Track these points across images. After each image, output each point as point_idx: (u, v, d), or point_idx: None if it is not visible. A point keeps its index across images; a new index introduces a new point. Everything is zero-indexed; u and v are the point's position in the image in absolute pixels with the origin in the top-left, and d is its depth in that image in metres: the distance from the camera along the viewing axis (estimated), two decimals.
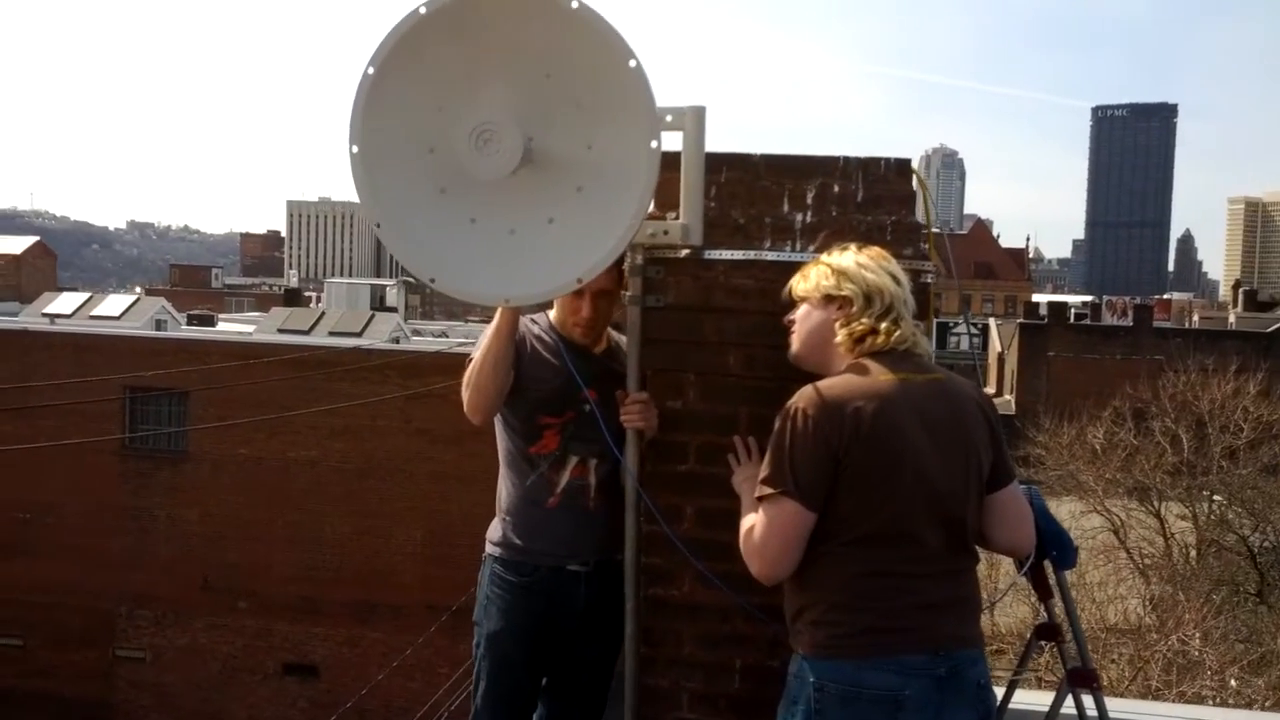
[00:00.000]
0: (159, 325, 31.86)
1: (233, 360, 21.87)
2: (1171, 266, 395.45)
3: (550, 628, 3.28)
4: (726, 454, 2.97)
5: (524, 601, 3.26)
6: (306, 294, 52.33)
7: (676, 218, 3.02)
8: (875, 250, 2.78)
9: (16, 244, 48.69)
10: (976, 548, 2.74)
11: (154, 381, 21.44)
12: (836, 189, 3.07)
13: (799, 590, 2.63)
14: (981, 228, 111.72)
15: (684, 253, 3.09)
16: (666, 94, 2.79)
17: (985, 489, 2.68)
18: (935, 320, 3.36)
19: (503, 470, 3.36)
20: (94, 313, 32.02)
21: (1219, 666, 13.58)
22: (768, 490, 2.57)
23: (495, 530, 3.35)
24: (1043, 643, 3.28)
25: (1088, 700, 3.07)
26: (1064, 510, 19.50)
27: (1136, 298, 68.20)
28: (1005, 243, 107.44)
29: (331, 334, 28.66)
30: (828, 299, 2.72)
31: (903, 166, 3.07)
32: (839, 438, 2.51)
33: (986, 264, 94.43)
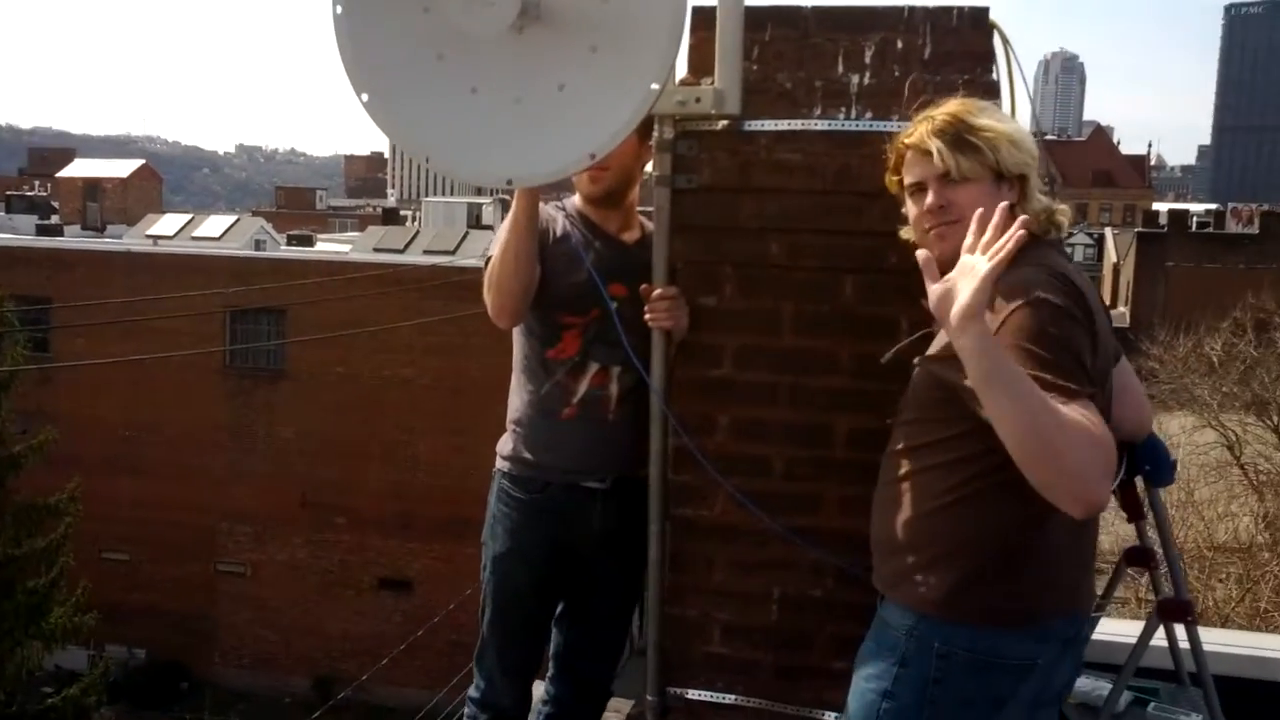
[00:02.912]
0: (258, 245, 32.10)
1: (328, 279, 22.00)
2: None
3: (563, 550, 2.95)
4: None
5: (533, 521, 2.93)
6: (403, 213, 52.55)
7: (713, 84, 2.61)
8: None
9: (124, 167, 49.53)
10: None
11: (252, 300, 21.71)
12: (900, 45, 2.61)
13: (932, 533, 2.11)
14: (1101, 134, 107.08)
15: (720, 124, 2.67)
16: None
17: None
18: None
19: (515, 376, 3.01)
20: (195, 234, 32.45)
21: None
22: (1072, 387, 1.87)
23: (505, 443, 3.00)
24: (1133, 570, 2.88)
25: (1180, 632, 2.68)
26: (1175, 424, 18.71)
27: (1265, 205, 64.83)
28: (1126, 150, 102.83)
29: (426, 252, 28.58)
30: (1000, 177, 2.13)
31: (979, 16, 2.60)
32: (1095, 338, 1.98)
33: (1105, 172, 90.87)
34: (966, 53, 2.58)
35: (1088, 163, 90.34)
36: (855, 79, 2.63)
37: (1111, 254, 47.24)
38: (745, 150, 2.67)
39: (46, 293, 22.31)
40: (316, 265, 24.67)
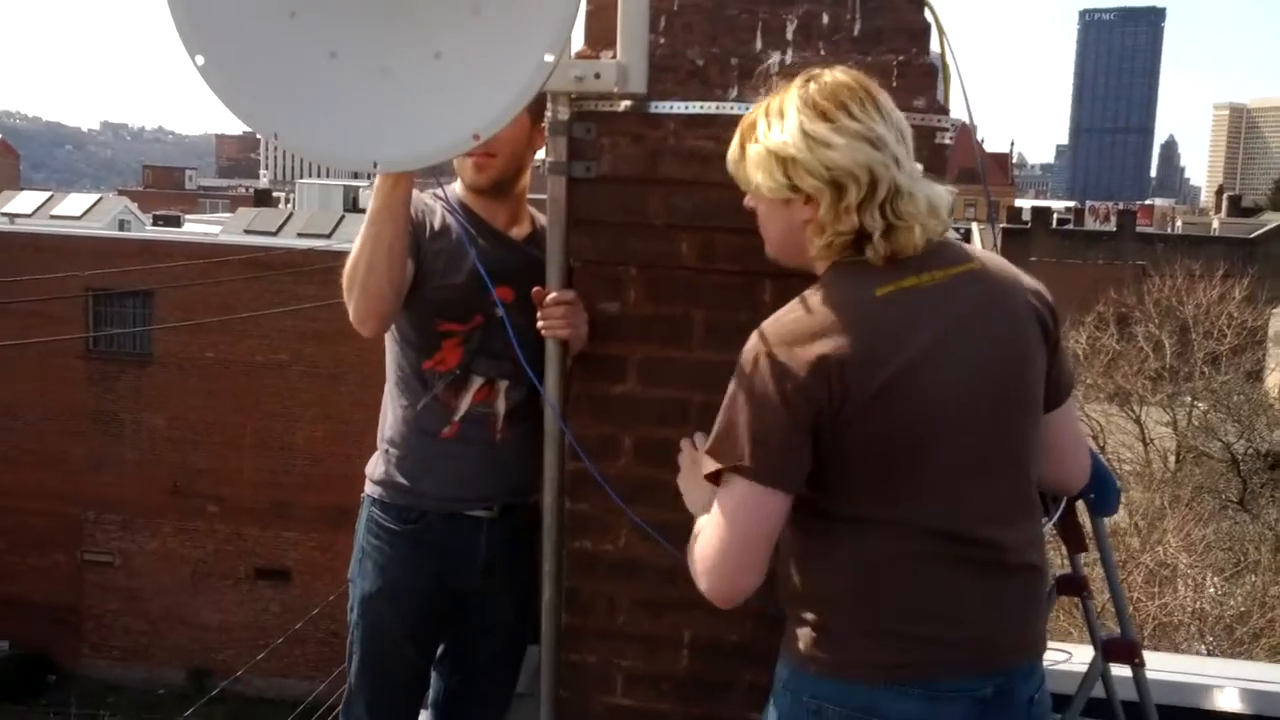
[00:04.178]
0: (122, 225, 30.92)
1: (197, 261, 21.31)
2: (1154, 173, 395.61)
3: (442, 588, 2.60)
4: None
5: (408, 555, 2.57)
6: (276, 195, 51.09)
7: (614, 57, 2.29)
8: (832, 82, 1.87)
9: None
10: (1039, 504, 2.02)
11: (117, 283, 21.02)
12: (826, 19, 2.31)
13: (799, 571, 1.90)
14: (964, 132, 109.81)
15: (623, 105, 2.35)
16: None
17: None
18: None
19: (389, 389, 2.63)
20: (55, 212, 30.96)
21: (1201, 578, 13.34)
22: (713, 466, 1.83)
23: (375, 465, 2.64)
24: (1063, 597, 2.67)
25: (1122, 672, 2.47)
26: None
27: (1119, 203, 67.79)
28: (989, 148, 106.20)
29: (300, 235, 27.76)
30: (784, 202, 1.88)
31: None
32: (822, 399, 1.74)
33: (969, 169, 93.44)
34: (900, 30, 2.30)
35: (954, 160, 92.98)
36: (776, 57, 2.32)
37: (978, 249, 49.11)
38: (651, 135, 2.35)
39: None
40: (185, 247, 24.00)
